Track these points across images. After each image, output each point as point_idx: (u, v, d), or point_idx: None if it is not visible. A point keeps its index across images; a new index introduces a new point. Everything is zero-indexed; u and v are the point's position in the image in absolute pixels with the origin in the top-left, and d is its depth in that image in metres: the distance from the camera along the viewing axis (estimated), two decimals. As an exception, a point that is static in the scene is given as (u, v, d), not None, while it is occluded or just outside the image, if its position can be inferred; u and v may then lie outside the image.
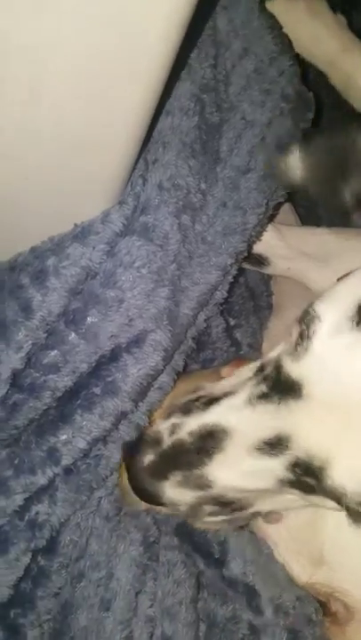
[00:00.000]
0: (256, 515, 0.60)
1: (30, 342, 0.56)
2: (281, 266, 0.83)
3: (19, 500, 0.56)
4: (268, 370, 0.53)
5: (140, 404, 0.63)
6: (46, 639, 0.58)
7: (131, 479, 0.58)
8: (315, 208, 0.99)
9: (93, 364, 0.59)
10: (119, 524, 0.62)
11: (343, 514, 0.50)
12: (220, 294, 0.68)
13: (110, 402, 0.59)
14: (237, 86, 0.68)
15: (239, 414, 0.53)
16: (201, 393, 0.59)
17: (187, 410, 0.56)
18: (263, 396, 0.52)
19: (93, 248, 0.57)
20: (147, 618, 0.58)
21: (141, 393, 0.62)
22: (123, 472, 0.63)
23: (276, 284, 0.91)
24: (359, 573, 0.63)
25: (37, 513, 0.58)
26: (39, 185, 0.55)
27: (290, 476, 0.51)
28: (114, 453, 0.61)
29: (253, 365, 0.57)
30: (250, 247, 0.71)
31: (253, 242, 0.71)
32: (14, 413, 0.57)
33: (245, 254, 0.70)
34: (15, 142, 0.51)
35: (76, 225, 0.58)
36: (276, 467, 0.51)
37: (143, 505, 0.63)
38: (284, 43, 0.73)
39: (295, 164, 0.80)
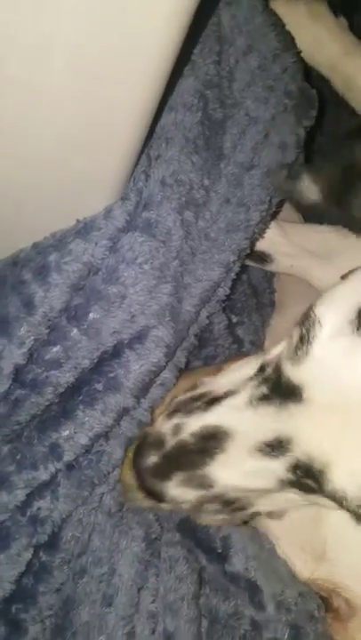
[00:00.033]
0: (257, 514, 0.60)
1: (32, 338, 0.56)
2: (284, 263, 0.83)
3: (20, 495, 0.56)
4: (269, 371, 0.53)
5: (142, 400, 0.63)
6: (48, 635, 0.58)
7: (136, 478, 0.58)
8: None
9: (95, 360, 0.59)
10: (121, 521, 0.62)
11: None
12: (223, 291, 0.68)
13: (112, 398, 0.59)
14: (241, 82, 0.68)
15: (240, 415, 0.53)
16: (202, 389, 0.59)
17: (189, 409, 0.56)
18: (264, 398, 0.52)
19: (96, 244, 0.57)
20: (149, 614, 0.58)
21: (143, 389, 0.62)
22: (125, 468, 0.63)
23: (278, 282, 0.91)
24: (361, 569, 0.63)
25: (39, 508, 0.58)
26: (41, 181, 0.55)
27: (291, 476, 0.52)
28: (116, 449, 0.62)
29: (255, 362, 0.57)
30: (253, 244, 0.71)
31: (256, 239, 0.71)
32: (16, 409, 0.57)
33: (248, 251, 0.70)
34: (17, 139, 0.51)
35: (78, 221, 0.58)
36: (277, 468, 0.52)
37: (146, 502, 0.63)
38: (287, 40, 0.73)
39: (307, 188, 0.82)
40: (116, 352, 0.60)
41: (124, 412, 0.61)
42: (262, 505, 0.58)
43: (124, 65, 0.46)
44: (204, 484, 0.54)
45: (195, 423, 0.55)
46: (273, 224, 0.79)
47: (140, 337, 0.60)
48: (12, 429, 0.58)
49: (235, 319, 0.85)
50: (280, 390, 0.51)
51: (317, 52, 0.86)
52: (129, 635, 0.57)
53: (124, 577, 0.58)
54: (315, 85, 0.76)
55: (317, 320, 0.49)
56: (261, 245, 0.79)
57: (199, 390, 0.59)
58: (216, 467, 0.53)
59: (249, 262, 0.83)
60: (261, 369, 0.55)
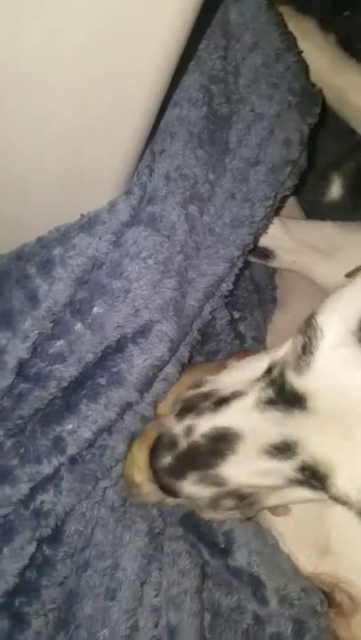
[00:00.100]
0: (266, 507, 0.61)
1: (36, 332, 0.56)
2: (286, 259, 0.83)
3: (24, 489, 0.57)
4: (275, 373, 0.54)
5: (146, 394, 0.63)
6: (51, 628, 0.58)
7: (153, 477, 0.60)
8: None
9: (99, 355, 0.59)
10: (125, 515, 0.62)
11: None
12: (226, 286, 0.68)
13: (115, 392, 0.59)
14: (247, 79, 0.68)
15: (249, 417, 0.54)
16: (207, 387, 0.59)
17: (199, 410, 0.57)
18: (271, 402, 0.53)
19: (100, 238, 0.57)
20: (152, 607, 0.58)
21: (147, 384, 0.62)
22: (128, 463, 0.63)
23: (281, 278, 0.91)
24: (365, 564, 0.63)
25: (43, 502, 0.58)
26: (45, 175, 0.55)
27: (299, 476, 0.53)
28: (119, 444, 0.62)
29: (260, 362, 0.57)
30: (256, 240, 0.71)
31: (259, 235, 0.71)
32: (20, 403, 0.57)
33: (251, 247, 0.70)
34: (21, 134, 0.51)
35: (82, 215, 0.58)
36: (286, 468, 0.53)
37: (148, 497, 0.64)
38: (290, 40, 0.73)
39: (337, 190, 0.83)
40: (119, 346, 0.60)
41: (128, 406, 0.61)
42: (273, 500, 0.59)
43: (129, 60, 0.46)
44: (218, 482, 0.56)
45: (205, 424, 0.56)
46: (276, 220, 0.79)
47: (143, 331, 0.60)
48: (16, 423, 0.58)
49: (237, 315, 0.85)
50: (285, 396, 0.52)
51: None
52: (132, 628, 0.57)
53: (128, 571, 0.59)
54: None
55: (320, 329, 0.50)
56: (264, 241, 0.79)
57: (204, 388, 0.60)
58: (227, 467, 0.55)
59: (252, 258, 0.83)
60: (268, 370, 0.56)
